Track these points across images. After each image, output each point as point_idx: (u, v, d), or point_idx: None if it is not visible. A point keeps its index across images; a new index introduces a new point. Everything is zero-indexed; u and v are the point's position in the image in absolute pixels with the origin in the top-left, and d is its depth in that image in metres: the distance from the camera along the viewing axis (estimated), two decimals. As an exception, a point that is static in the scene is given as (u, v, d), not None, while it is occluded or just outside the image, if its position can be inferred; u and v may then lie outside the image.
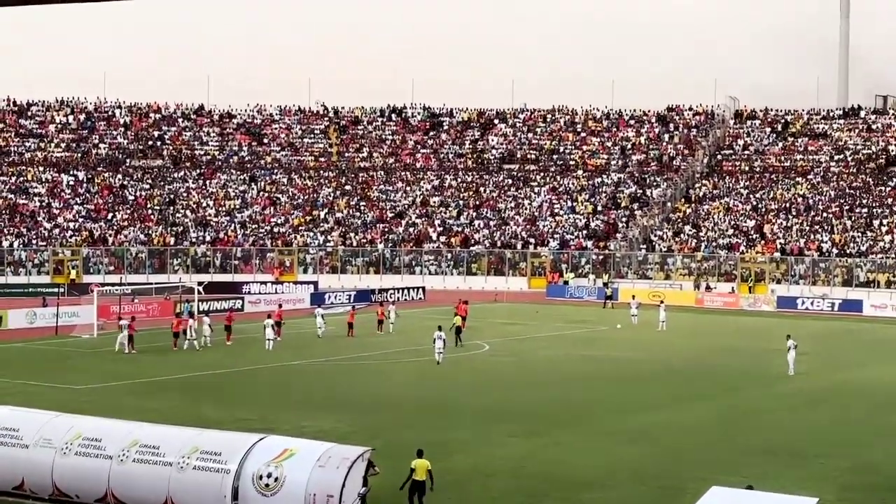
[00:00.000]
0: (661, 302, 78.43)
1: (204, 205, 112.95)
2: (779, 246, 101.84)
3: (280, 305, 74.49)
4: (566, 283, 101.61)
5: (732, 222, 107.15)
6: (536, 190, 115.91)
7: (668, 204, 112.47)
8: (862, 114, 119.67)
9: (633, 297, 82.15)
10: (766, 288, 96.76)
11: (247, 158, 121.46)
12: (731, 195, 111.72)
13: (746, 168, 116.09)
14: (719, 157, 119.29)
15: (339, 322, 70.35)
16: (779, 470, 33.15)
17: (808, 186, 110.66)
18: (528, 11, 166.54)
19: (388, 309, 71.05)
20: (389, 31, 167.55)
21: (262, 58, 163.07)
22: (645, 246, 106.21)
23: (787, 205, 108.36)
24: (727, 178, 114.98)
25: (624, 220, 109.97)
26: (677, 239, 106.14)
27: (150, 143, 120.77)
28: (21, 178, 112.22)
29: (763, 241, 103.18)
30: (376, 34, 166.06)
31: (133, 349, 59.58)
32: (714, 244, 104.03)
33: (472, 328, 68.44)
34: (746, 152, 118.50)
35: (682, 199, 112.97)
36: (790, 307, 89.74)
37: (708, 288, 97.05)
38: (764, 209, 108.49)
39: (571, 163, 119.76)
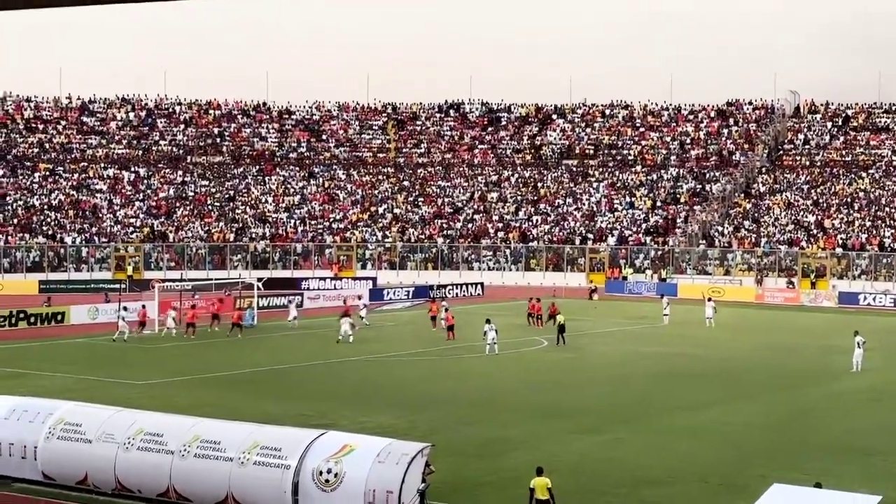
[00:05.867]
0: (709, 299, 77.45)
1: (263, 201, 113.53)
2: (840, 241, 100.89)
3: (345, 300, 74.89)
4: (625, 278, 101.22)
5: (793, 217, 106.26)
6: (595, 185, 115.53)
7: (728, 199, 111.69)
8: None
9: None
10: (827, 284, 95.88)
11: (305, 154, 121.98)
12: (792, 190, 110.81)
13: (807, 163, 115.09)
14: (780, 151, 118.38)
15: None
16: (841, 467, 32.85)
17: (870, 181, 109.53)
18: (585, 5, 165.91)
19: (440, 306, 70.94)
20: (447, 27, 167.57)
21: (320, 54, 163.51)
22: (704, 241, 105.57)
23: (849, 199, 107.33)
24: (787, 172, 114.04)
25: (683, 215, 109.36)
26: (737, 234, 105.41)
27: (211, 139, 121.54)
28: (83, 175, 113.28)
29: (824, 237, 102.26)
30: (434, 30, 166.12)
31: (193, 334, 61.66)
32: (774, 240, 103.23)
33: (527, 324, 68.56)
34: (807, 147, 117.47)
35: (742, 195, 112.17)
36: (852, 303, 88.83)
37: (760, 282, 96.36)
38: (825, 204, 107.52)
39: (630, 158, 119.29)
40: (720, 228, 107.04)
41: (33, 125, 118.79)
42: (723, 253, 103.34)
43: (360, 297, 79.68)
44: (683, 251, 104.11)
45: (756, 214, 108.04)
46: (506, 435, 37.21)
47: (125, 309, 66.79)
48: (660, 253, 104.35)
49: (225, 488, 27.80)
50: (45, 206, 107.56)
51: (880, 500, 22.88)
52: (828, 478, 28.48)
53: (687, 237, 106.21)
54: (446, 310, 67.04)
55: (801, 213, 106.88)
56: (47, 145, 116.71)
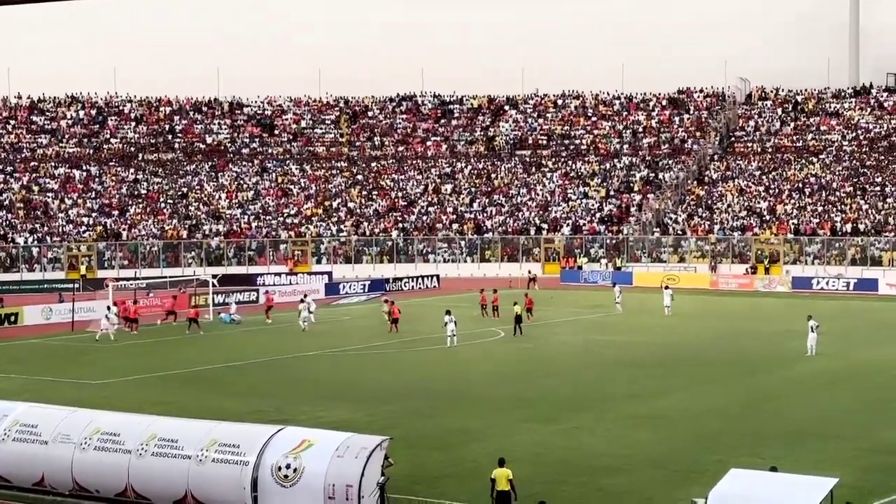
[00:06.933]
0: (667, 287, 77.83)
1: (216, 197, 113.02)
2: (792, 227, 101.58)
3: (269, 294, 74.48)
4: (580, 268, 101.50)
5: (745, 204, 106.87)
6: (548, 175, 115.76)
7: (681, 187, 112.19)
8: (874, 92, 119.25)
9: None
10: (780, 269, 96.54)
11: (258, 150, 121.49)
12: (744, 176, 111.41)
13: (758, 149, 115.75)
14: (731, 138, 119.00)
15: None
16: (798, 452, 33.10)
17: (821, 166, 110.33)
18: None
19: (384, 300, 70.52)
20: (398, 20, 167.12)
21: (271, 49, 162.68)
22: (658, 229, 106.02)
23: (800, 185, 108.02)
24: (739, 159, 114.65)
25: (636, 203, 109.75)
26: (690, 222, 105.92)
27: (162, 136, 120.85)
28: (34, 175, 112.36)
29: (776, 222, 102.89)
30: (385, 24, 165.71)
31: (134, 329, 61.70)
32: (728, 226, 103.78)
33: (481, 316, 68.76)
34: (758, 133, 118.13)
35: (695, 182, 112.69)
36: (805, 287, 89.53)
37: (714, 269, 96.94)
38: (776, 190, 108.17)
39: (583, 147, 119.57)
40: (673, 216, 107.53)
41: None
42: (676, 240, 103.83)
43: (305, 296, 78.47)
44: (638, 239, 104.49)
45: (709, 201, 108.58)
46: (466, 426, 37.24)
47: (109, 308, 65.43)
48: (614, 242, 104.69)
49: (184, 486, 27.66)
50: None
51: (837, 481, 23.08)
52: (785, 462, 28.66)
53: (641, 225, 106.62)
54: (392, 303, 66.89)
55: (754, 199, 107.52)
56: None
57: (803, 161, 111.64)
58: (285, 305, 75.58)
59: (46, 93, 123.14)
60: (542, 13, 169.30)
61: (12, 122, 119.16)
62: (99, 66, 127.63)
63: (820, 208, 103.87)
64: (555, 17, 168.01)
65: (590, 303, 79.86)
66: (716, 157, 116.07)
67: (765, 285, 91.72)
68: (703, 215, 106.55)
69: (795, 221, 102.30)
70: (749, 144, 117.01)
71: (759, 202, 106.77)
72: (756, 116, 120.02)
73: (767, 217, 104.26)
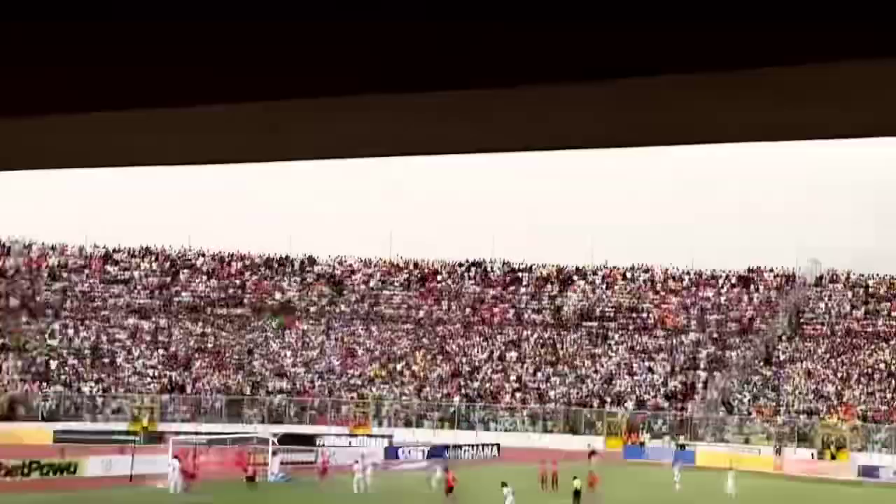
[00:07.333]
0: (731, 469, 76.56)
1: (282, 354, 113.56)
2: (860, 412, 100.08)
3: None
4: (642, 444, 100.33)
5: (813, 387, 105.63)
6: (614, 348, 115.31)
7: (748, 366, 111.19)
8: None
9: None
10: (847, 455, 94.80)
11: (326, 308, 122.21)
12: (813, 359, 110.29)
13: (828, 332, 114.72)
14: (801, 319, 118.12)
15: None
16: None
17: (891, 352, 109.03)
18: (608, 169, 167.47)
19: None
20: (470, 187, 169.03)
21: (343, 210, 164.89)
22: (724, 408, 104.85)
23: (870, 370, 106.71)
24: (808, 341, 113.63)
25: (702, 381, 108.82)
26: (756, 402, 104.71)
27: (232, 291, 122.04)
28: (104, 324, 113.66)
29: (844, 407, 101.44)
30: (458, 189, 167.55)
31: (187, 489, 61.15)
32: (794, 409, 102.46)
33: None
34: (828, 315, 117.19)
35: (762, 362, 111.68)
36: (872, 476, 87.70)
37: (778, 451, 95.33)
38: (845, 374, 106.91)
39: (650, 321, 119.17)
40: (739, 396, 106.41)
41: (56, 273, 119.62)
42: (741, 421, 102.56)
43: (361, 457, 77.71)
44: (702, 418, 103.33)
45: (776, 382, 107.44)
46: None
47: (176, 458, 66.01)
48: (678, 419, 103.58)
49: None
50: (64, 355, 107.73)
51: None
52: None
53: (706, 403, 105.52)
54: (448, 470, 66.55)
55: (822, 382, 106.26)
56: (69, 293, 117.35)
57: (873, 346, 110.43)
58: (343, 468, 75.12)
59: (122, 243, 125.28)
60: (611, 184, 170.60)
61: (86, 270, 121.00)
62: (174, 219, 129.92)
63: (889, 395, 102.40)
64: (624, 189, 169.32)
65: (650, 481, 78.68)
66: (784, 337, 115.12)
67: (831, 472, 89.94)
68: (770, 396, 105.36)
69: (863, 407, 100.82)
70: (818, 326, 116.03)
71: (826, 386, 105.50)
72: (826, 299, 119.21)
73: (835, 401, 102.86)
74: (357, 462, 68.38)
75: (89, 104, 2.21)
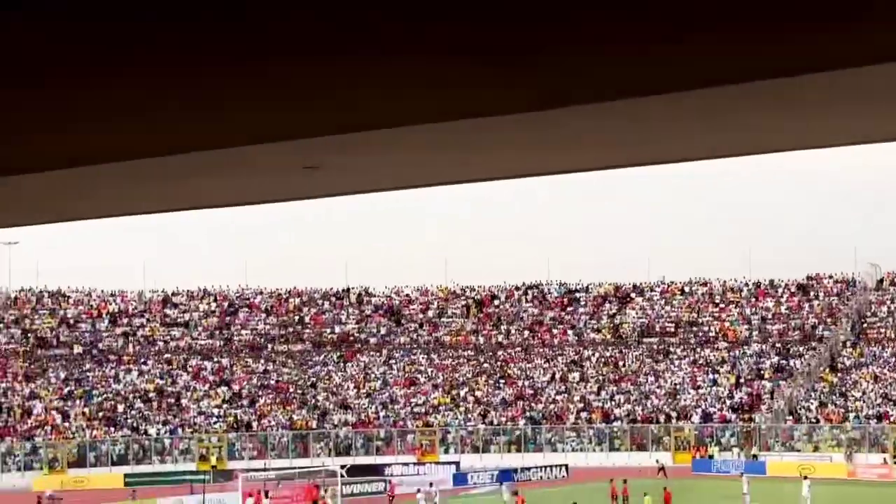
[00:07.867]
0: (805, 477, 75.87)
1: (345, 387, 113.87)
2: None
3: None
4: (711, 457, 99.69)
5: (881, 391, 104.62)
6: (676, 363, 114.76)
7: (813, 374, 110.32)
8: None
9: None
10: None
11: (385, 339, 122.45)
12: (878, 363, 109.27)
13: (892, 335, 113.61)
14: (864, 324, 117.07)
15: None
16: None
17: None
18: (662, 185, 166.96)
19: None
20: (522, 210, 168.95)
21: (397, 240, 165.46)
22: (791, 417, 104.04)
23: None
24: (873, 345, 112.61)
25: (768, 391, 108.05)
26: (824, 410, 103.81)
27: (291, 327, 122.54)
28: (167, 367, 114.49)
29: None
30: (510, 214, 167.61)
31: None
32: (863, 414, 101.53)
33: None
34: (891, 319, 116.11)
35: (827, 369, 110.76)
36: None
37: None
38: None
39: (711, 334, 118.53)
40: (806, 404, 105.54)
41: (117, 318, 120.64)
42: (810, 429, 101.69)
43: (430, 485, 77.84)
44: (770, 428, 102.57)
45: (843, 389, 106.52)
46: None
47: (250, 496, 66.57)
48: (746, 430, 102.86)
49: None
50: (130, 399, 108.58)
51: None
52: None
53: (773, 413, 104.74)
54: (517, 493, 66.55)
55: (890, 386, 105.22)
56: (131, 338, 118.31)
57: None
58: (411, 496, 75.15)
59: (180, 286, 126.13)
60: (666, 201, 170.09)
61: (146, 315, 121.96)
62: (230, 259, 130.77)
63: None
64: (679, 205, 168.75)
65: (723, 493, 78.20)
66: (848, 343, 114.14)
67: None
68: (837, 402, 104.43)
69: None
70: (882, 330, 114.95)
71: (894, 389, 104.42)
72: (888, 302, 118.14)
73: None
74: (419, 490, 68.46)
75: (129, 153, 2.29)
